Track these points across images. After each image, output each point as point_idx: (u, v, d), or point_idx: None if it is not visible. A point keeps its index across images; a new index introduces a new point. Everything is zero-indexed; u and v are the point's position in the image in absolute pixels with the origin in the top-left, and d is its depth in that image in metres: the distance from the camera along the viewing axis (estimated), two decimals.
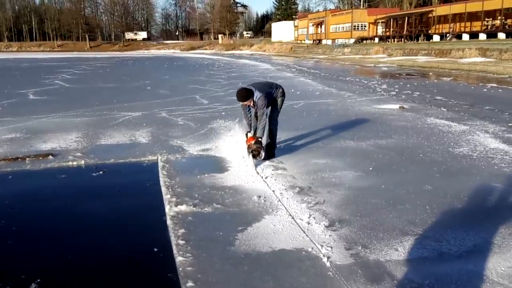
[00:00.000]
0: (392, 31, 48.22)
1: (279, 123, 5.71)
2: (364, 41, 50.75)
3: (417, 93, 12.31)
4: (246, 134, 5.53)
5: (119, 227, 3.78)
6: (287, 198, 4.15)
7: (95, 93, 13.41)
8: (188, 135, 7.02)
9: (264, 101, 5.18)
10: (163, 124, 7.98)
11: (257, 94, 5.16)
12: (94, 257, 3.24)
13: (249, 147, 5.31)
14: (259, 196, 4.20)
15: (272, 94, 5.44)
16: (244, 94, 5.17)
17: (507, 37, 32.66)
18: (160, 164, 5.37)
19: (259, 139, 5.26)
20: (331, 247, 3.15)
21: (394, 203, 3.98)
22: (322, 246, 3.17)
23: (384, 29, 50.81)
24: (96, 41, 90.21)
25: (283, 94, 5.63)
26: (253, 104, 5.26)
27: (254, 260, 3.01)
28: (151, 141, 6.65)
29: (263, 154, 5.38)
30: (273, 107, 5.57)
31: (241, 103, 5.34)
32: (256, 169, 5.07)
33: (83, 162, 5.55)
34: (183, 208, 3.92)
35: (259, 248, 3.18)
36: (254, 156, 5.28)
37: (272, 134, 5.63)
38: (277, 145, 5.86)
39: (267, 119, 5.38)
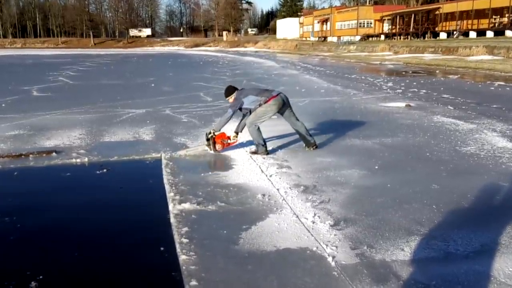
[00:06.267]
0: (399, 29, 47.93)
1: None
2: (370, 39, 50.49)
3: (424, 91, 12.21)
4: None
5: (122, 225, 3.76)
6: (292, 197, 4.12)
7: (99, 90, 13.43)
8: (192, 133, 7.00)
9: (233, 104, 5.47)
10: (167, 121, 7.96)
11: (234, 96, 5.51)
12: (97, 255, 3.22)
13: (208, 139, 5.60)
14: (264, 195, 4.16)
15: (244, 103, 5.45)
16: (227, 91, 5.65)
17: None
18: (163, 161, 5.35)
19: (210, 133, 5.57)
20: (336, 247, 3.12)
21: (400, 202, 3.93)
22: (327, 245, 3.13)
23: (390, 27, 50.51)
24: (100, 38, 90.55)
25: (266, 102, 5.38)
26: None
27: (258, 259, 2.98)
28: (155, 139, 6.63)
29: (207, 148, 5.67)
30: (253, 113, 5.47)
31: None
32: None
33: (86, 159, 5.53)
34: (186, 206, 3.89)
35: (263, 247, 3.15)
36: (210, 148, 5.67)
37: (252, 136, 5.55)
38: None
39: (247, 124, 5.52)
